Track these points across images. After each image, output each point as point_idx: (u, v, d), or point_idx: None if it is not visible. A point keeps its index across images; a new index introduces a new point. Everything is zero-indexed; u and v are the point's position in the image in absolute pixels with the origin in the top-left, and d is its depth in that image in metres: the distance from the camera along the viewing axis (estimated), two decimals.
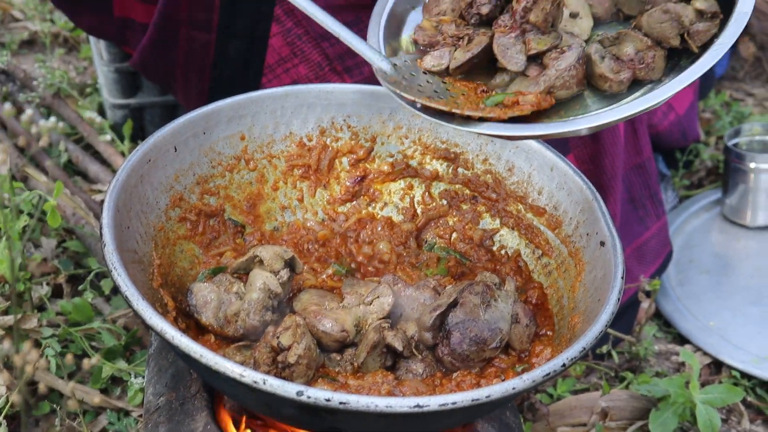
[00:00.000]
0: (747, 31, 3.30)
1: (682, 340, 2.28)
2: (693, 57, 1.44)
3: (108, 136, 1.59)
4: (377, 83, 1.88)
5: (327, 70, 1.99)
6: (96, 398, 1.79)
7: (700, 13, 1.43)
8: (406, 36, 1.59)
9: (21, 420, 1.57)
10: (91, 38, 2.60)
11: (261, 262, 1.48)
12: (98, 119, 1.43)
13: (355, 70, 1.99)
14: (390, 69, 1.48)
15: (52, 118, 1.36)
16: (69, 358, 1.28)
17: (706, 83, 2.89)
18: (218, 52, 2.01)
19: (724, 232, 2.61)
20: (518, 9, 1.45)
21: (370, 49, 1.51)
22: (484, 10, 1.50)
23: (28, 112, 1.31)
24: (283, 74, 2.02)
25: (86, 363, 1.20)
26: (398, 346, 1.41)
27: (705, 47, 1.44)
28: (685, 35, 1.45)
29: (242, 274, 1.53)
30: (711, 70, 2.84)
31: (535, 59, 1.47)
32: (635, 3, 1.52)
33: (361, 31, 1.96)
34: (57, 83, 2.66)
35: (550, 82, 1.43)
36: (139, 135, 2.54)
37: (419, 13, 1.61)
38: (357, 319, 1.45)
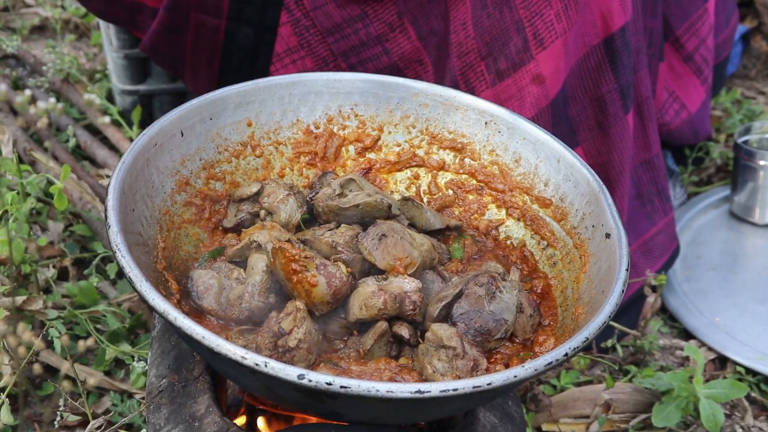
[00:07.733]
0: (760, 29, 3.28)
1: (687, 335, 2.28)
2: None
3: (107, 119, 1.58)
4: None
5: (332, 66, 1.99)
6: (93, 378, 1.79)
7: None
8: None
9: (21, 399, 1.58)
10: (101, 24, 2.61)
11: (258, 247, 1.47)
12: (98, 101, 1.43)
13: (359, 67, 1.99)
14: None
15: (51, 99, 1.36)
16: (65, 339, 1.29)
17: (719, 81, 2.88)
18: (227, 38, 2.01)
19: (732, 230, 2.60)
20: None
21: None
22: None
23: (27, 92, 1.30)
24: (290, 65, 2.02)
25: (81, 344, 1.20)
26: (405, 334, 1.41)
27: None
28: None
29: (240, 261, 1.52)
30: (723, 68, 2.84)
31: None
32: None
33: (366, 27, 1.97)
34: (66, 69, 2.66)
35: None
36: (147, 122, 2.54)
37: None
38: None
